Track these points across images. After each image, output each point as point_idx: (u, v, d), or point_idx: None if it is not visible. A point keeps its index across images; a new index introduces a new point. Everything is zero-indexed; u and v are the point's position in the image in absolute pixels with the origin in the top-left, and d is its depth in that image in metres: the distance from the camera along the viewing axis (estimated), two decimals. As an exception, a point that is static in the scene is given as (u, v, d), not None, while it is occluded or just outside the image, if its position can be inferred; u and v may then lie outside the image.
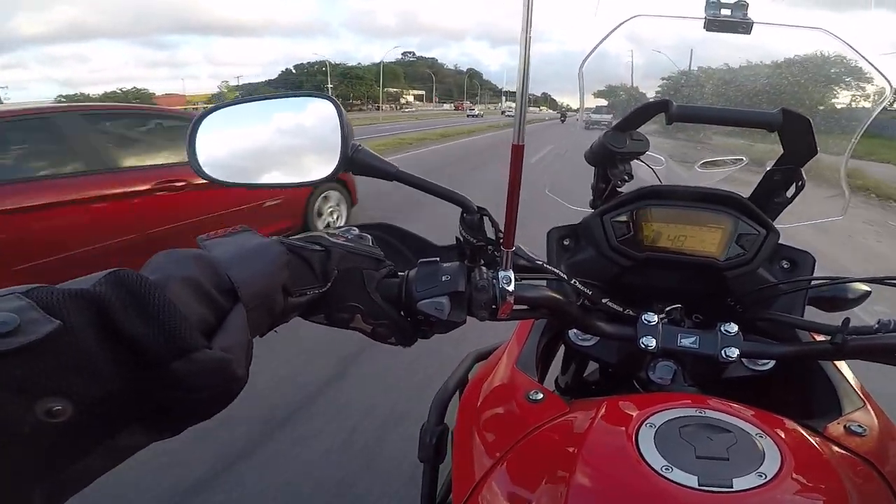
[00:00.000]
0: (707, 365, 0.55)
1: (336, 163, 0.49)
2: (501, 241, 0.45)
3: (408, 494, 1.44)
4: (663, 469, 0.36)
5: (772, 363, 0.59)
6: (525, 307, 0.50)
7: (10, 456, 0.22)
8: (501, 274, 0.45)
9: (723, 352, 0.53)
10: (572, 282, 0.53)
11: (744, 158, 0.73)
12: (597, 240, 0.59)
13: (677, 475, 0.35)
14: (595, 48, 0.63)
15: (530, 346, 0.63)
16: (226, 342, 0.29)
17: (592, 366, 0.78)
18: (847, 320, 0.51)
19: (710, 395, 0.61)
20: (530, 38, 0.36)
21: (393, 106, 78.36)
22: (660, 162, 0.73)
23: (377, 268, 0.46)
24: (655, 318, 0.55)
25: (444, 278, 0.45)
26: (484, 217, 0.50)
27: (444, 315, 0.44)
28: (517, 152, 0.38)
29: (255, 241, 0.37)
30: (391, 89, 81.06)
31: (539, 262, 0.56)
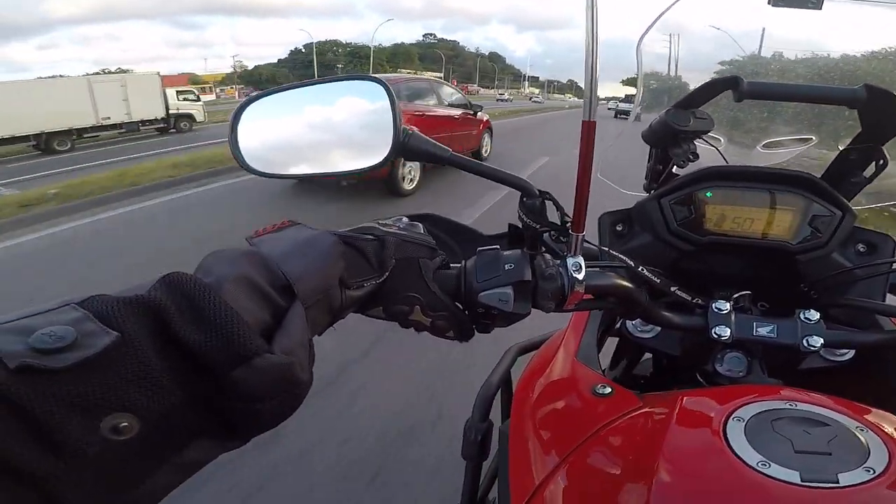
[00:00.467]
0: (782, 356, 0.51)
1: (389, 148, 0.46)
2: (569, 224, 0.42)
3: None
4: (759, 465, 0.33)
5: (851, 353, 0.55)
6: (592, 297, 0.47)
7: (78, 480, 0.21)
8: (570, 261, 0.41)
9: (805, 340, 0.49)
10: (640, 269, 0.50)
11: (813, 137, 0.70)
12: (654, 224, 0.56)
13: (776, 470, 0.33)
14: (653, 23, 0.60)
15: (589, 338, 0.60)
16: (287, 344, 0.27)
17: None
18: None
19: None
20: (597, 13, 0.34)
21: None
22: (718, 142, 0.70)
23: (432, 256, 0.44)
24: (728, 306, 0.52)
25: (506, 267, 0.42)
26: (546, 201, 0.47)
27: (509, 307, 0.41)
28: (589, 129, 0.37)
29: (305, 233, 0.35)
30: (403, 70, 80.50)
31: (605, 249, 0.53)
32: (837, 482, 0.32)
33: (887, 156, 0.59)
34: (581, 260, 0.42)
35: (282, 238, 0.34)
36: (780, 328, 0.51)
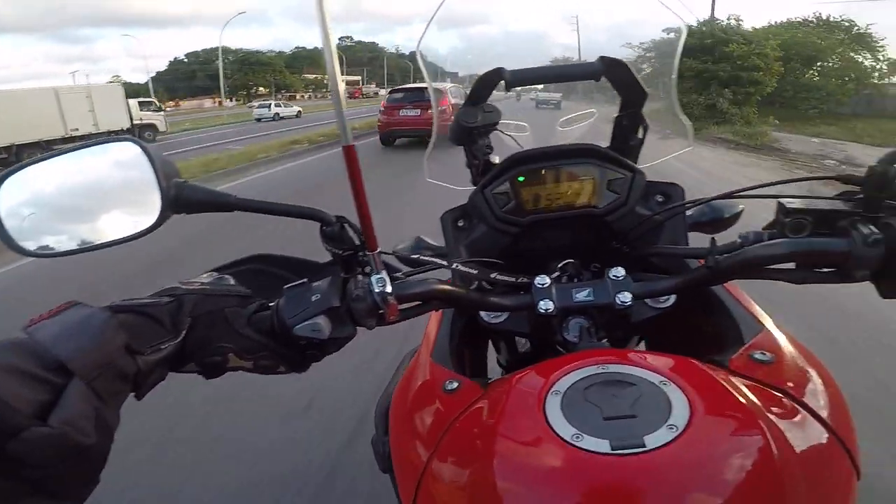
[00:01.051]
0: (613, 315, 0.54)
1: (159, 209, 0.45)
2: (364, 245, 0.44)
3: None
4: (574, 438, 0.34)
5: (672, 299, 0.58)
6: (416, 303, 0.49)
7: None
8: (374, 278, 0.44)
9: (617, 297, 0.52)
10: (454, 266, 0.53)
11: (594, 111, 0.75)
12: (484, 215, 0.60)
13: (588, 442, 0.34)
14: (431, 20, 0.63)
15: (443, 337, 0.63)
16: (63, 416, 0.31)
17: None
18: (713, 241, 0.50)
19: (619, 346, 0.61)
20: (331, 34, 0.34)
21: (313, 94, 69.81)
22: (524, 129, 0.74)
23: (243, 305, 0.45)
24: (548, 279, 0.54)
25: (314, 298, 0.44)
26: (345, 225, 0.49)
27: (324, 335, 0.43)
28: (350, 153, 0.37)
29: (80, 313, 0.37)
30: (308, 76, 72.66)
31: (415, 257, 0.56)
32: (644, 446, 0.33)
33: (646, 119, 0.64)
34: (384, 275, 0.44)
35: (57, 322, 0.36)
36: (595, 290, 0.53)
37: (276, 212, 0.48)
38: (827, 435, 0.40)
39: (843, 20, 18.47)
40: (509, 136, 0.71)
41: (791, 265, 0.47)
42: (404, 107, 9.55)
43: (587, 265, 0.61)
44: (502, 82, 0.62)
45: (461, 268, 0.53)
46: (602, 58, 0.60)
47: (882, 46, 17.54)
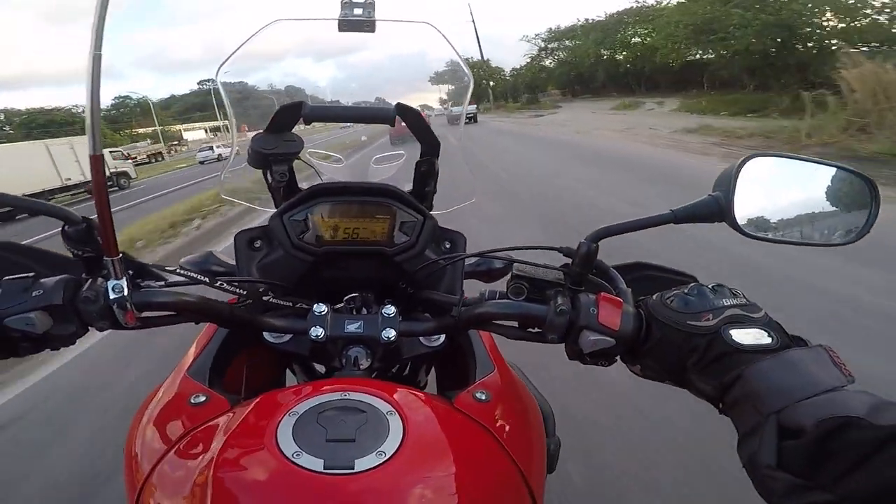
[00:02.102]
0: (385, 348, 0.56)
1: None
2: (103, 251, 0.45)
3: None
4: (294, 455, 0.36)
5: (441, 339, 0.62)
6: (169, 312, 0.50)
7: None
8: (110, 283, 0.44)
9: (382, 333, 0.54)
10: (218, 283, 0.53)
11: (403, 153, 0.79)
12: (281, 240, 0.61)
13: (306, 460, 0.36)
14: (233, 53, 0.64)
15: (206, 352, 0.63)
16: None
17: None
18: (461, 293, 0.57)
19: (403, 377, 0.69)
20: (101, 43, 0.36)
21: (174, 146, 54.40)
22: (340, 161, 0.78)
23: None
24: (325, 307, 0.55)
25: (35, 293, 0.44)
26: (92, 227, 0.49)
27: (38, 330, 0.44)
28: (97, 162, 0.40)
29: None
30: (175, 126, 64.64)
31: (169, 268, 0.54)
32: (353, 468, 0.35)
33: (437, 168, 0.68)
34: (123, 282, 0.44)
35: None
36: (366, 323, 0.55)
37: (21, 207, 0.50)
38: (516, 473, 0.45)
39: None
40: (314, 167, 0.74)
41: (514, 322, 0.51)
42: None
43: (380, 300, 0.63)
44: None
45: (224, 286, 0.53)
46: (398, 104, 0.63)
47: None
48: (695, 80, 22.89)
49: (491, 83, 44.21)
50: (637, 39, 30.10)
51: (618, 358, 0.48)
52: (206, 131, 65.84)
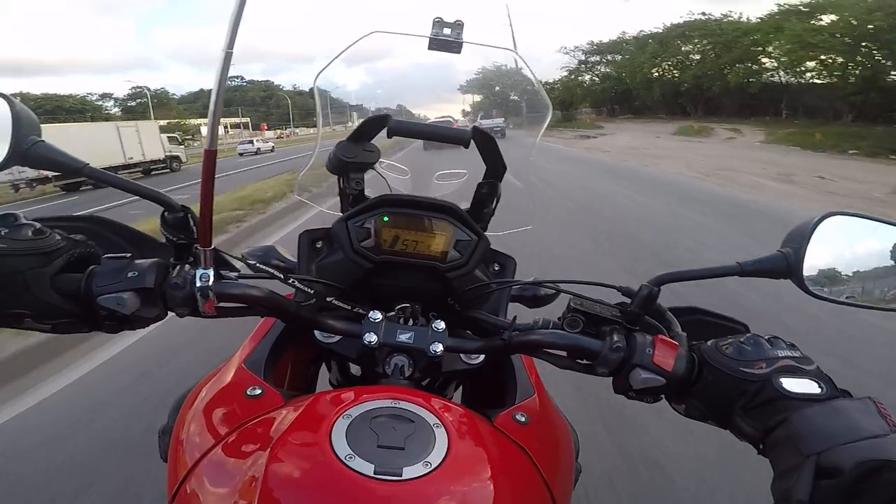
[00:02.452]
0: (428, 360, 0.58)
1: (4, 155, 0.48)
2: (198, 240, 0.47)
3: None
4: (346, 458, 0.37)
5: (481, 358, 0.64)
6: (241, 305, 0.52)
7: None
8: (199, 272, 0.46)
9: (430, 346, 0.56)
10: (291, 280, 0.55)
11: (466, 172, 0.81)
12: (342, 243, 0.62)
13: (358, 463, 0.37)
14: (332, 61, 0.68)
15: (263, 345, 0.65)
16: None
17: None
18: (514, 318, 0.59)
19: (436, 388, 0.72)
20: (231, 52, 0.40)
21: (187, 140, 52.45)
22: (405, 172, 0.80)
23: (45, 263, 0.44)
24: (380, 315, 0.57)
25: (130, 274, 0.46)
26: (189, 216, 0.51)
27: (126, 310, 0.45)
28: (209, 157, 0.42)
29: None
30: (191, 120, 61.11)
31: (252, 262, 0.58)
32: (401, 475, 0.37)
33: (499, 191, 0.70)
34: (210, 272, 0.46)
35: None
36: (417, 335, 0.57)
37: (123, 188, 0.52)
38: (547, 495, 0.47)
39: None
40: (384, 178, 0.77)
41: (564, 352, 0.53)
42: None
43: (426, 312, 0.64)
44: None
45: (296, 283, 0.55)
46: (474, 128, 0.67)
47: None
48: (764, 107, 20.89)
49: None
50: (697, 57, 27.39)
51: (662, 396, 0.49)
52: (225, 128, 64.88)
